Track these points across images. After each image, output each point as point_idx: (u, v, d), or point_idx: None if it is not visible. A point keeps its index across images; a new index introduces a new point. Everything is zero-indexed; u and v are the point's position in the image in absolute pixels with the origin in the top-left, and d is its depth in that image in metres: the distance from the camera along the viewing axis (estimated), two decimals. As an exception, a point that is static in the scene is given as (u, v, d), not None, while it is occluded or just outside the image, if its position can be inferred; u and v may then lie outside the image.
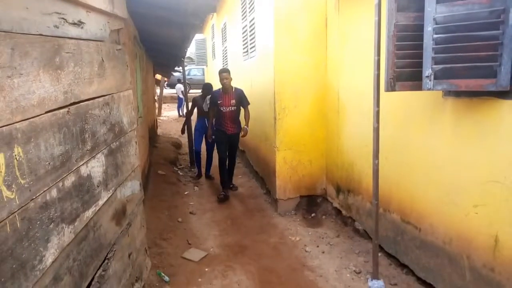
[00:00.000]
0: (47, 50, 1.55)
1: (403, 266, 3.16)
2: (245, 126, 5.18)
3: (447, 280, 2.64)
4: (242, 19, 6.28)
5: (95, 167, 2.00)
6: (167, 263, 3.28)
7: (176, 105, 16.69)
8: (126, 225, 2.48)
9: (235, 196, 5.36)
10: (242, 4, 6.23)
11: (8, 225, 1.22)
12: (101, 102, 2.16)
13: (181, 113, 15.64)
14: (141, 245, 2.85)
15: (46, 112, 1.51)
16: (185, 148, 8.71)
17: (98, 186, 2.02)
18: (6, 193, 1.23)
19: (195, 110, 6.53)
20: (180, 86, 15.83)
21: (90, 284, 1.84)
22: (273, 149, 4.62)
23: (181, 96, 15.63)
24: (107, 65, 2.28)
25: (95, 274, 1.91)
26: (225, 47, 9.08)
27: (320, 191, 4.72)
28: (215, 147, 5.60)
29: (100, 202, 2.03)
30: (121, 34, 2.77)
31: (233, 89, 5.15)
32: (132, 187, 2.68)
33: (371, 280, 2.98)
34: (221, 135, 5.29)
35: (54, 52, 1.61)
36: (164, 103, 17.99)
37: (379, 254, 3.33)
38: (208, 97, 5.83)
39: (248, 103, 5.24)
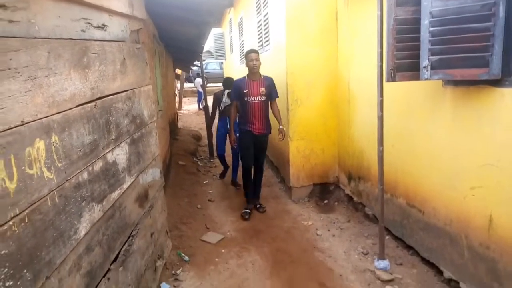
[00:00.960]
0: (76, 52, 1.79)
1: (409, 247, 3.31)
2: (281, 127, 4.29)
3: (448, 259, 2.79)
4: (257, 13, 6.45)
5: (120, 154, 2.25)
6: (187, 245, 3.54)
7: (196, 98, 17.05)
8: (149, 207, 2.73)
9: (251, 185, 5.59)
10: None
11: (49, 200, 1.46)
12: (124, 96, 2.40)
13: (201, 107, 15.96)
14: (162, 227, 3.11)
15: (77, 106, 1.75)
16: (205, 140, 8.99)
17: (122, 172, 2.27)
18: (47, 173, 1.47)
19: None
20: (199, 80, 16.14)
21: (117, 256, 2.10)
22: (286, 139, 4.81)
23: (200, 90, 15.96)
24: (128, 62, 2.52)
25: (121, 248, 2.16)
26: (242, 41, 9.26)
27: (333, 179, 4.89)
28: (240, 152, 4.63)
29: (125, 186, 2.28)
30: (140, 34, 3.01)
31: (262, 76, 4.25)
32: (153, 174, 2.93)
33: (378, 260, 3.17)
34: (247, 137, 4.32)
35: (82, 53, 1.85)
36: (185, 97, 18.38)
37: (387, 237, 3.50)
38: (227, 91, 5.42)
39: (277, 96, 4.40)
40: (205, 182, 5.80)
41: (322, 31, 4.54)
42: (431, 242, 2.99)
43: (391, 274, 3.02)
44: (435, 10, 2.34)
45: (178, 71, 14.92)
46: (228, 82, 5.60)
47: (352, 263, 3.24)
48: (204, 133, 9.83)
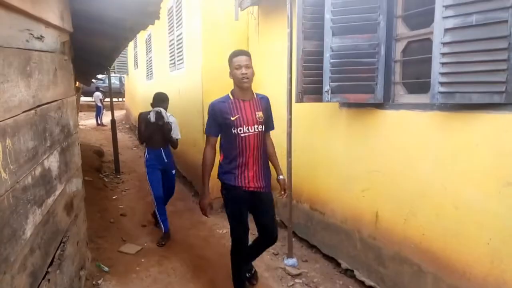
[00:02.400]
0: (22, 61, 1.87)
1: (312, 246, 3.82)
2: (281, 177, 2.97)
3: (344, 252, 3.33)
4: (169, 33, 6.67)
5: (53, 162, 2.30)
6: (105, 257, 3.55)
7: (94, 113, 16.21)
8: (74, 216, 2.75)
9: (163, 199, 5.68)
10: (169, 19, 6.62)
11: (5, 199, 1.53)
12: (55, 105, 2.45)
13: (99, 122, 15.24)
14: (84, 237, 3.11)
15: (23, 112, 1.83)
16: (108, 156, 8.73)
17: (55, 179, 2.31)
18: (3, 174, 1.54)
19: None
20: (98, 94, 15.46)
21: (52, 260, 2.13)
22: (201, 154, 5.05)
23: (99, 104, 15.27)
24: (58, 73, 2.58)
25: (56, 252, 2.20)
26: (150, 57, 9.32)
27: (243, 191, 5.27)
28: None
29: (57, 193, 2.32)
30: (66, 45, 3.05)
31: (255, 95, 2.82)
32: (77, 184, 2.95)
33: (287, 258, 3.59)
34: (236, 197, 2.75)
35: (26, 62, 1.93)
36: (81, 111, 17.32)
37: (294, 239, 3.97)
38: (156, 110, 3.98)
39: (273, 126, 2.99)
40: (114, 197, 5.72)
41: (234, 55, 4.98)
42: (331, 239, 3.52)
43: (298, 269, 3.46)
44: (334, 45, 2.91)
45: (78, 83, 14.12)
46: (159, 99, 4.11)
47: (265, 262, 3.61)
48: (106, 148, 9.53)
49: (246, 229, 2.81)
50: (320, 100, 3.06)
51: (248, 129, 2.68)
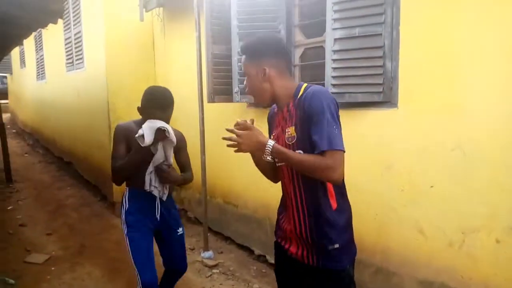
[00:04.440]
0: None
1: (227, 238, 4.05)
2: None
3: (256, 239, 3.63)
4: (65, 30, 6.30)
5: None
6: (9, 269, 3.31)
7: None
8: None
9: (68, 206, 5.38)
10: (65, 15, 6.24)
11: None
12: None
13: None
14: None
15: None
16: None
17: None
18: None
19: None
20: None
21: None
22: (108, 156, 4.92)
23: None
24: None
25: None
26: (41, 55, 8.61)
27: (154, 192, 5.28)
28: None
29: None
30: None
31: (299, 94, 1.53)
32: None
33: (203, 252, 3.77)
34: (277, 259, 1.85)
35: None
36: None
37: (209, 233, 4.15)
38: (161, 127, 2.02)
39: (332, 144, 1.42)
40: (9, 208, 5.24)
41: (141, 54, 4.97)
42: (244, 229, 3.79)
43: (215, 260, 3.66)
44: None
45: None
46: (160, 102, 2.17)
47: (182, 258, 3.73)
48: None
49: None
50: (230, 100, 3.30)
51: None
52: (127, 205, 2.30)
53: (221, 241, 4.09)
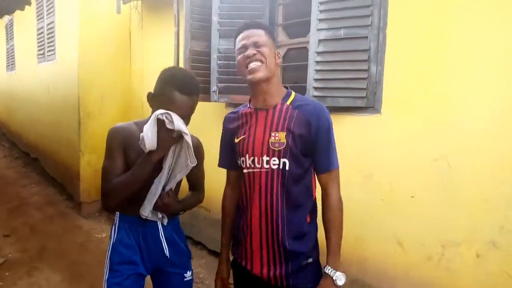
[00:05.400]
0: None
1: (197, 243, 3.88)
2: (328, 270, 1.47)
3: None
4: (38, 20, 6.00)
5: None
6: (-44, 274, 3.04)
7: None
8: None
9: (31, 204, 5.08)
10: (38, 5, 5.95)
11: None
12: None
13: None
14: None
15: None
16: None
17: None
18: None
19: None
20: None
21: None
22: (77, 153, 4.69)
23: None
24: None
25: None
26: (11, 45, 8.22)
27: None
28: None
29: None
30: None
31: (287, 98, 1.46)
32: None
33: (173, 257, 3.58)
34: (239, 283, 1.65)
35: None
36: None
37: (179, 238, 3.98)
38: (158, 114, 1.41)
39: (335, 164, 1.58)
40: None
41: (116, 48, 4.75)
42: (217, 234, 3.60)
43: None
44: (221, 47, 3.02)
45: None
46: (181, 83, 1.51)
47: (150, 263, 3.54)
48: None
49: None
50: (209, 99, 3.15)
51: (253, 161, 1.45)
52: (115, 236, 1.66)
53: (191, 246, 3.88)
